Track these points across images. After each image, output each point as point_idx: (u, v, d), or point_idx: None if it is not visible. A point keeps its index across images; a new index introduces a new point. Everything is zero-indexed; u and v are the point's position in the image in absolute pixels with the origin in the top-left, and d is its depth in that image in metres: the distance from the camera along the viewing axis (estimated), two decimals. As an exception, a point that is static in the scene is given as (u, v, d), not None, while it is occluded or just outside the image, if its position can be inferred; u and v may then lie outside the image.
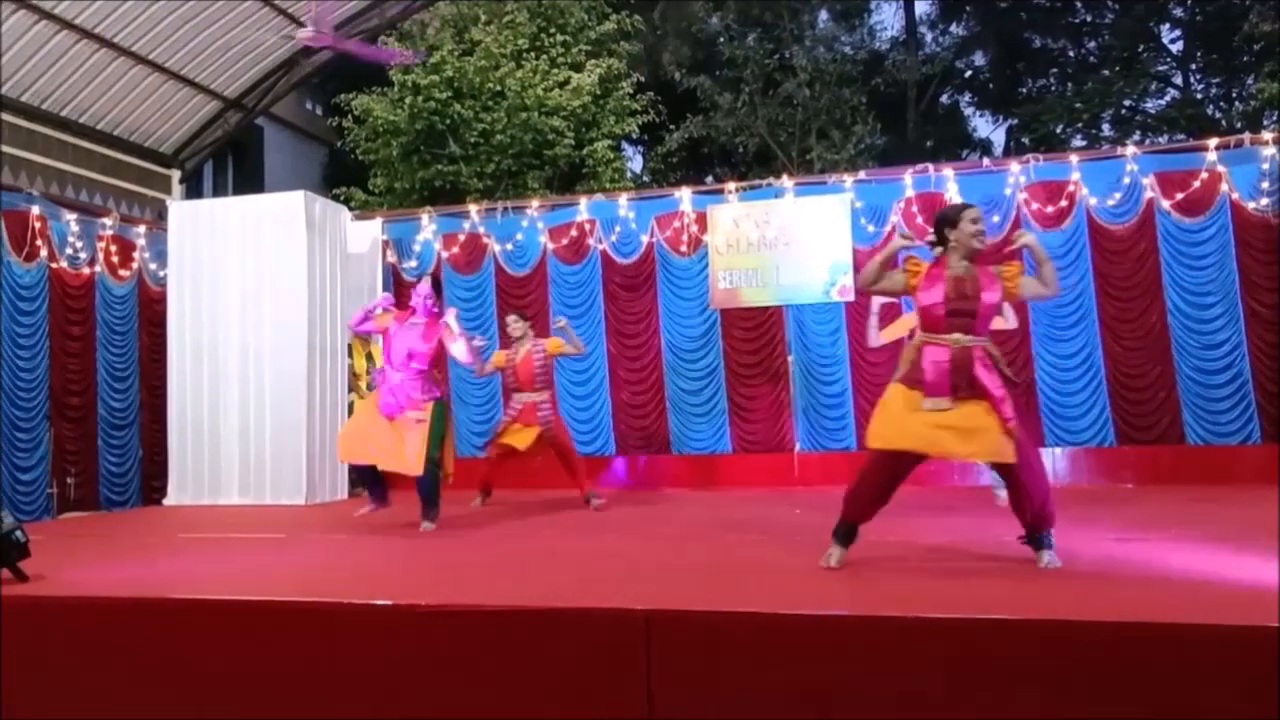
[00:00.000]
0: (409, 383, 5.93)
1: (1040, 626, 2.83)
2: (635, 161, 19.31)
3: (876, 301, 6.49)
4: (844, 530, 4.14)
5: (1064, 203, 8.35)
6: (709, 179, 18.20)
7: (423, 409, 5.90)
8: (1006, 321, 6.06)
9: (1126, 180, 8.23)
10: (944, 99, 20.95)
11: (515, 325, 7.25)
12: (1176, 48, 18.17)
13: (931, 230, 4.19)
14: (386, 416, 5.94)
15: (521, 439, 7.09)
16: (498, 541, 5.71)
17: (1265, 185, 7.90)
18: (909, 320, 6.15)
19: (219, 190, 15.65)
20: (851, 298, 8.67)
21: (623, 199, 9.55)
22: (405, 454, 5.87)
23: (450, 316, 6.10)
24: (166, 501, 8.59)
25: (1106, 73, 17.39)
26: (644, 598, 3.51)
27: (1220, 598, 3.34)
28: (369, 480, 6.24)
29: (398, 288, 9.90)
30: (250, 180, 16.09)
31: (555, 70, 14.04)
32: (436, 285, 6.28)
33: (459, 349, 6.05)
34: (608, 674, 3.01)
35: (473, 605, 3.32)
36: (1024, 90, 19.80)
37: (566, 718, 3.00)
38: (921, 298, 4.08)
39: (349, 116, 14.19)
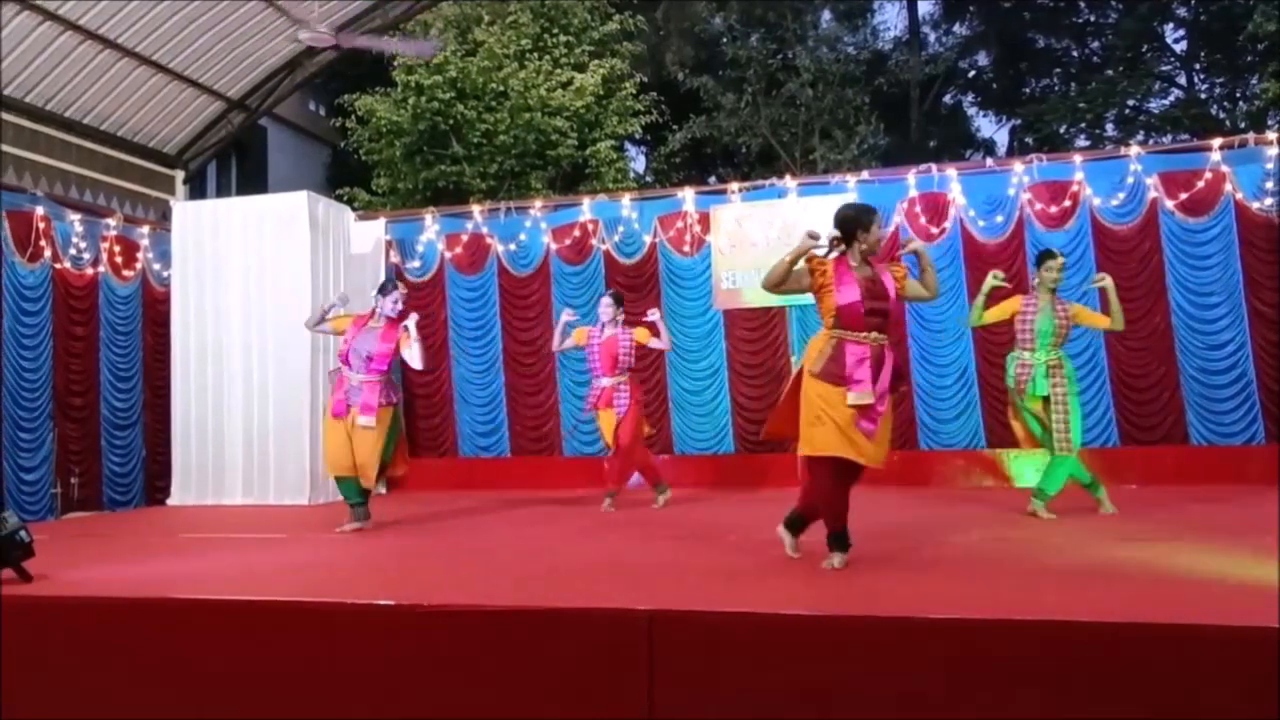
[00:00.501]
0: (368, 386, 6.04)
1: (1040, 627, 2.82)
2: (638, 162, 19.34)
3: (990, 282, 6.01)
4: (835, 537, 4.22)
5: (1067, 203, 8.33)
6: (712, 179, 18.21)
7: (375, 416, 6.00)
8: (1115, 323, 5.99)
9: (1130, 180, 8.21)
10: (947, 99, 20.93)
11: (606, 308, 7.06)
12: (1180, 47, 18.15)
13: (836, 229, 4.30)
14: (334, 415, 6.09)
15: (607, 426, 7.08)
16: (499, 542, 5.72)
17: (1269, 185, 7.88)
18: (1014, 303, 6.00)
19: (222, 191, 15.68)
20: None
21: (626, 199, 9.55)
22: (357, 461, 6.04)
23: (410, 321, 6.19)
24: (170, 502, 8.61)
25: (1110, 73, 17.36)
26: (646, 598, 3.51)
27: (1220, 598, 3.34)
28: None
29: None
30: (254, 181, 16.11)
31: (558, 71, 14.05)
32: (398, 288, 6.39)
33: (413, 353, 6.15)
34: (610, 674, 3.01)
35: (474, 605, 3.32)
36: (1027, 90, 19.78)
37: (568, 718, 3.00)
38: (837, 297, 4.19)
39: (352, 117, 14.21)
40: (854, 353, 4.11)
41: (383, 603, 3.37)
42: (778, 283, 4.29)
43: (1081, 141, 17.16)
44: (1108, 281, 5.96)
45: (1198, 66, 18.00)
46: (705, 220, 9.10)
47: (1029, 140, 17.69)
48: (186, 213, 8.98)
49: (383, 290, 6.30)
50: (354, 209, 10.84)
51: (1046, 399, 5.77)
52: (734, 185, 9.31)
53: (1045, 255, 6.05)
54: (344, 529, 6.11)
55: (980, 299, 5.73)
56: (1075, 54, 19.52)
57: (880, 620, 3.01)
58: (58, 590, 4.10)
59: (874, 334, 4.15)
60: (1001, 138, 21.21)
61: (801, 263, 4.27)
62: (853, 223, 4.25)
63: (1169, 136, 16.47)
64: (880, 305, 4.17)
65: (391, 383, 6.27)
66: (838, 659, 2.87)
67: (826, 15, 18.61)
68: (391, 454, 6.22)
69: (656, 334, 7.15)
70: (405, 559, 5.13)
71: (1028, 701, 2.68)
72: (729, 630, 3.02)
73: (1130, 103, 17.38)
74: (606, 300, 7.18)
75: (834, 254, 4.25)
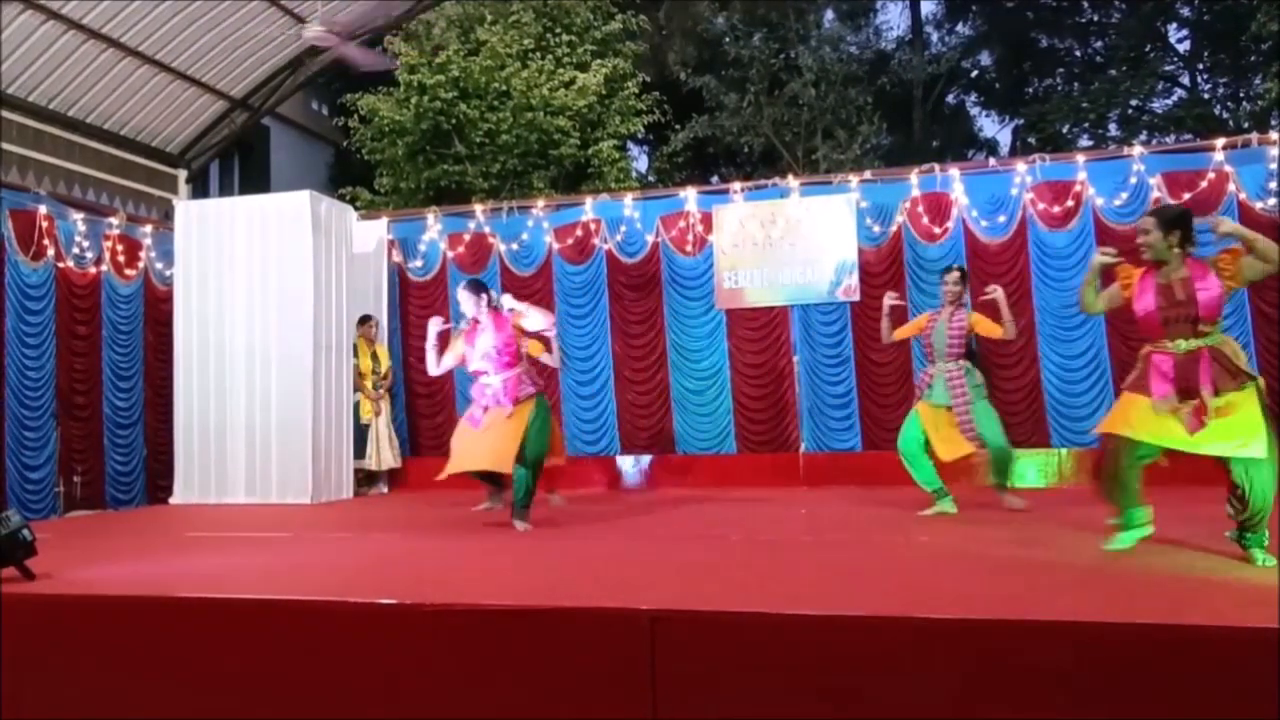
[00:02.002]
0: (506, 384, 5.82)
1: (1040, 627, 2.82)
2: (640, 161, 19.35)
3: (887, 301, 6.58)
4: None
5: (1070, 203, 8.33)
6: (714, 179, 18.22)
7: (513, 407, 5.77)
8: (1006, 333, 6.24)
9: (1133, 180, 8.20)
10: (950, 99, 20.93)
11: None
12: (1183, 47, 18.15)
13: (1167, 225, 4.05)
14: (471, 425, 5.91)
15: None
16: (502, 541, 5.71)
17: (1273, 185, 7.87)
18: (920, 321, 6.46)
19: (225, 190, 15.70)
20: (857, 298, 8.66)
21: (628, 199, 9.54)
22: (490, 451, 5.77)
23: (508, 299, 5.98)
24: (172, 500, 8.61)
25: (1113, 72, 17.34)
26: (649, 598, 3.50)
27: (1220, 598, 3.33)
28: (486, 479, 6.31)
29: (403, 288, 9.93)
30: (256, 180, 16.13)
31: (561, 70, 14.05)
32: (481, 286, 6.07)
33: (533, 320, 5.89)
34: (612, 674, 3.01)
35: (477, 605, 3.32)
36: (1030, 90, 19.78)
37: (571, 718, 3.00)
38: (1135, 308, 4.08)
39: (355, 116, 14.22)
40: (1159, 366, 3.98)
41: (385, 602, 3.37)
42: (1090, 308, 4.30)
43: (1084, 141, 17.15)
44: (999, 293, 6.21)
45: (1201, 66, 17.99)
46: (707, 220, 9.10)
47: (1032, 140, 17.69)
48: (189, 212, 8.98)
49: (474, 291, 5.99)
50: (356, 208, 10.85)
51: (950, 408, 6.13)
52: (736, 185, 9.30)
53: (945, 270, 6.44)
54: (518, 528, 5.87)
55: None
56: (1078, 54, 19.52)
57: (884, 620, 3.01)
58: (60, 588, 4.10)
59: (1179, 341, 3.95)
60: (1004, 137, 21.24)
61: (1115, 285, 4.18)
62: (1187, 221, 4.05)
63: (1172, 136, 16.46)
64: (1181, 311, 3.94)
65: (530, 372, 6.04)
66: (841, 659, 2.87)
67: (829, 15, 18.63)
68: (545, 444, 5.91)
69: (549, 349, 7.18)
70: (407, 558, 5.13)
71: (1028, 701, 2.68)
72: (732, 630, 3.02)
73: (1133, 102, 17.37)
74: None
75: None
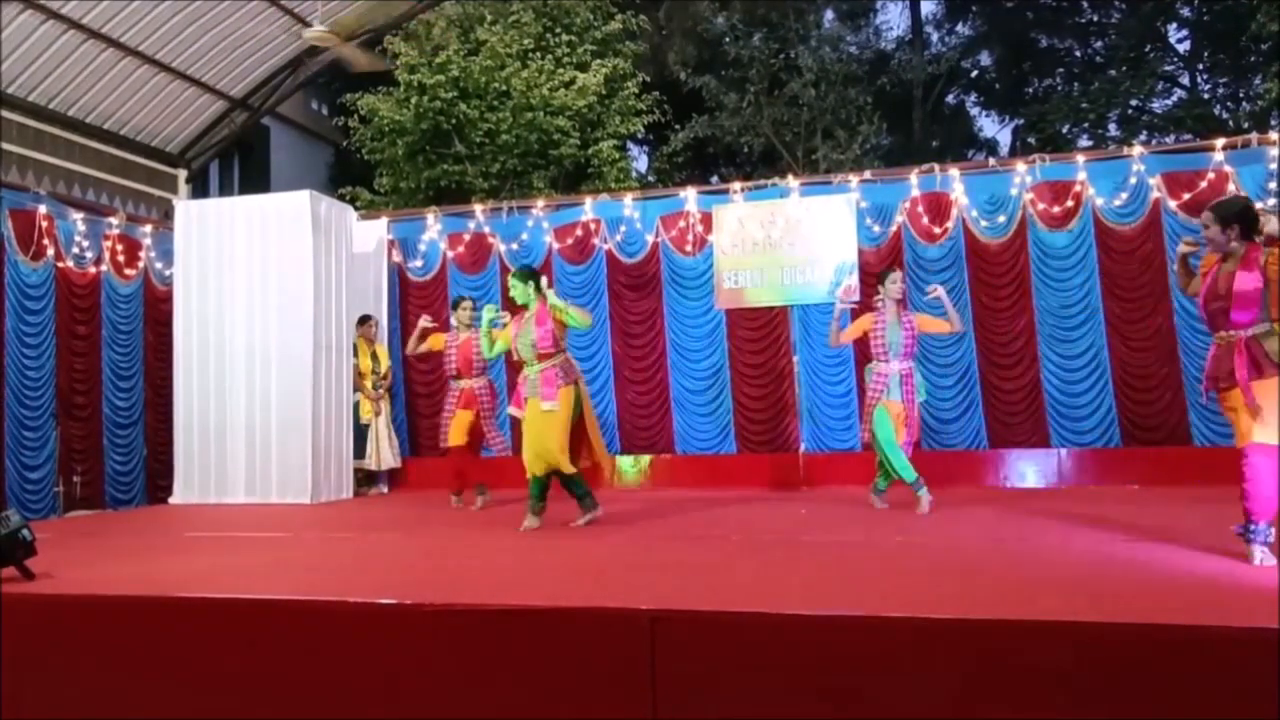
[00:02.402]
0: (543, 375, 5.88)
1: (1040, 627, 2.82)
2: (640, 161, 19.34)
3: (838, 307, 6.97)
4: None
5: (1070, 203, 8.32)
6: (714, 179, 18.21)
7: (555, 399, 5.83)
8: (955, 326, 6.53)
9: (1133, 180, 8.20)
10: (950, 99, 20.93)
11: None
12: (1183, 47, 18.14)
13: (1225, 219, 4.06)
14: (516, 408, 6.08)
15: (461, 427, 7.40)
16: (501, 541, 5.71)
17: (1272, 185, 7.87)
18: (865, 322, 6.60)
19: (225, 190, 15.70)
20: (857, 298, 8.66)
21: (628, 199, 9.54)
22: (535, 456, 5.89)
23: (549, 293, 5.97)
24: (172, 500, 8.61)
25: (1113, 72, 17.34)
26: (649, 597, 3.51)
27: (1220, 598, 3.33)
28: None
29: (403, 287, 9.93)
30: (256, 180, 16.13)
31: (561, 70, 14.05)
32: (534, 274, 6.13)
33: (574, 316, 5.94)
34: (612, 674, 3.01)
35: (477, 605, 3.32)
36: (1030, 90, 19.78)
37: (571, 717, 3.00)
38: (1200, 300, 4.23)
39: (355, 116, 14.22)
40: (1210, 353, 4.18)
41: (385, 601, 3.37)
42: (1184, 289, 4.44)
43: (1084, 141, 17.14)
44: (940, 291, 6.54)
45: (1201, 66, 17.99)
46: (707, 220, 9.10)
47: (1032, 140, 17.68)
48: (189, 212, 8.98)
49: (525, 279, 6.05)
50: (356, 208, 10.84)
51: (902, 404, 6.37)
52: (736, 185, 9.30)
53: (888, 270, 6.65)
54: (576, 523, 6.00)
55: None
56: (1078, 54, 19.52)
57: (883, 620, 3.01)
58: (60, 588, 4.10)
59: (1220, 332, 4.08)
60: (1004, 137, 21.24)
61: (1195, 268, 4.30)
62: (1249, 214, 4.05)
63: (1172, 136, 16.45)
64: (1220, 304, 4.05)
65: (569, 362, 6.04)
66: (841, 659, 2.87)
67: (829, 15, 18.63)
68: (574, 440, 5.96)
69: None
70: (407, 558, 5.13)
71: (1027, 701, 2.68)
72: (732, 630, 3.02)
73: (1133, 103, 17.37)
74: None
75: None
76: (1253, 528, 3.91)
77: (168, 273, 9.27)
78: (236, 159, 16.26)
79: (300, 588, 4.11)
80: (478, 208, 9.85)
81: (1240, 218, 4.03)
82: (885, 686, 2.80)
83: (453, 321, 7.60)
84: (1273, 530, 3.92)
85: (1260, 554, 3.88)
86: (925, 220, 8.64)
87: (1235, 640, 2.66)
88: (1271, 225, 3.97)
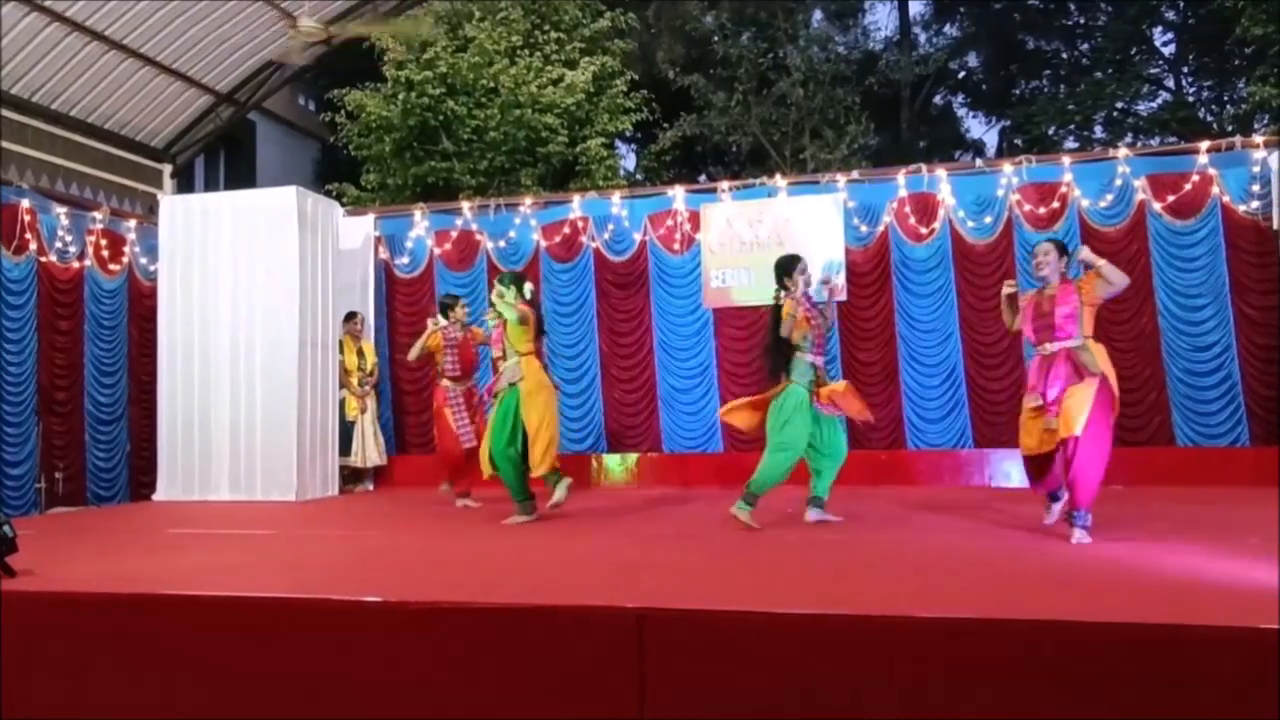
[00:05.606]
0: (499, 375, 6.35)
1: (1038, 627, 2.83)
2: (629, 159, 19.29)
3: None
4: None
5: (1056, 204, 8.36)
6: (702, 178, 18.22)
7: (494, 396, 6.25)
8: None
9: (1118, 182, 8.25)
10: (937, 99, 21.02)
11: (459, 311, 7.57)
12: (1169, 50, 18.27)
13: (1063, 253, 5.14)
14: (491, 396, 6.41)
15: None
16: (490, 539, 5.70)
17: (1256, 188, 7.93)
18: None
19: (211, 185, 15.58)
20: (843, 297, 8.67)
21: (616, 197, 9.53)
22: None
23: (526, 289, 6.56)
24: (155, 497, 8.55)
25: (1099, 75, 17.44)
26: (636, 596, 3.50)
27: (1219, 599, 3.35)
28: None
29: (390, 284, 9.89)
30: (242, 175, 16.02)
31: (549, 67, 14.00)
32: (520, 280, 6.60)
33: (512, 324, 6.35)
34: (600, 673, 3.00)
35: (464, 602, 3.31)
36: (1017, 91, 19.87)
37: (558, 717, 2.99)
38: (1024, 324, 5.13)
39: (342, 112, 14.12)
40: (1034, 363, 5.10)
41: (371, 599, 3.36)
42: (1011, 326, 5.40)
43: (1070, 143, 17.24)
44: (1087, 253, 6.35)
45: (1186, 70, 18.13)
46: (695, 219, 9.10)
47: (1018, 141, 17.78)
48: (174, 207, 8.92)
49: (508, 284, 6.52)
50: (343, 204, 10.79)
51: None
52: (724, 184, 9.30)
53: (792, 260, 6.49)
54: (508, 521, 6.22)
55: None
56: (1065, 56, 19.63)
57: (871, 619, 3.01)
58: (44, 585, 4.06)
59: (1045, 345, 5.01)
60: (991, 138, 21.34)
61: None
62: (1065, 246, 5.20)
63: (1157, 139, 16.56)
64: (1045, 321, 5.00)
65: (516, 366, 6.34)
66: (829, 658, 2.87)
67: (818, 15, 18.65)
68: (503, 442, 6.17)
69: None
70: (394, 556, 5.11)
71: (1025, 701, 2.68)
72: (720, 629, 3.02)
73: (1119, 105, 17.48)
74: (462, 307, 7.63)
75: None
76: (1076, 513, 4.72)
77: (152, 268, 9.20)
78: (222, 154, 16.15)
79: (285, 585, 4.09)
80: (465, 205, 9.82)
81: (1064, 251, 5.12)
82: (873, 686, 2.81)
83: (442, 321, 7.57)
84: (1090, 515, 4.71)
85: (1079, 535, 4.65)
86: (912, 220, 8.67)
87: (1235, 640, 2.67)
88: (1084, 253, 4.99)
